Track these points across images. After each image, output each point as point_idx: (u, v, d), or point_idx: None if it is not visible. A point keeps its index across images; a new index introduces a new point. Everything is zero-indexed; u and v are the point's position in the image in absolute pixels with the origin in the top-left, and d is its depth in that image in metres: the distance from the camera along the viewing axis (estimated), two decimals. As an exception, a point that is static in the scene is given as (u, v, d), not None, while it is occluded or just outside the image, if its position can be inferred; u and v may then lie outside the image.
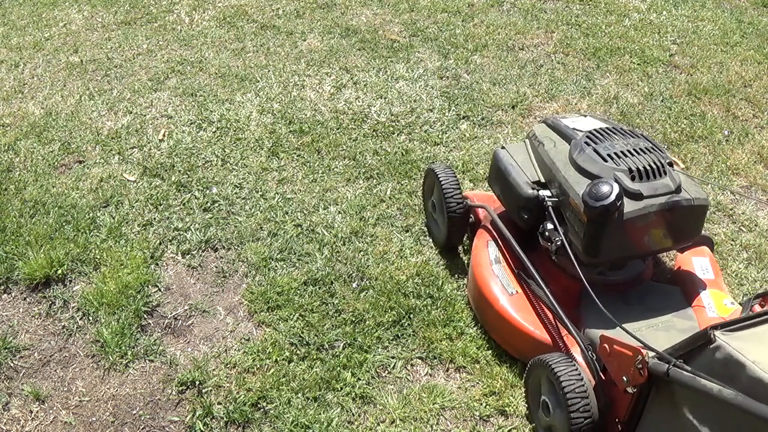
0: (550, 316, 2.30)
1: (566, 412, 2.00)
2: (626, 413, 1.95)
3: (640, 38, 4.43)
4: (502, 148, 2.57)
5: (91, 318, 2.56)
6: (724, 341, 1.64)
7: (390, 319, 2.55)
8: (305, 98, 3.76)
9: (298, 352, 2.44)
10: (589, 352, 2.12)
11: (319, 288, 2.67)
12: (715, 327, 1.68)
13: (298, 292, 2.65)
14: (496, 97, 3.79)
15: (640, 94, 3.88)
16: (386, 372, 2.40)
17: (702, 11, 4.83)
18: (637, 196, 2.15)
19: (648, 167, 2.20)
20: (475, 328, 2.52)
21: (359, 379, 2.37)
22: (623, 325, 1.97)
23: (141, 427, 2.25)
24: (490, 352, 2.44)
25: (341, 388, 2.33)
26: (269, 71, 3.98)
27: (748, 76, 4.10)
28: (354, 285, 2.69)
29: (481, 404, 2.30)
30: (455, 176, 2.73)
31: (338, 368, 2.38)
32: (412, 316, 2.57)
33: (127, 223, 2.95)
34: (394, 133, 3.50)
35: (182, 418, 2.27)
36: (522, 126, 3.59)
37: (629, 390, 1.90)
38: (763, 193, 3.24)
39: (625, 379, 1.90)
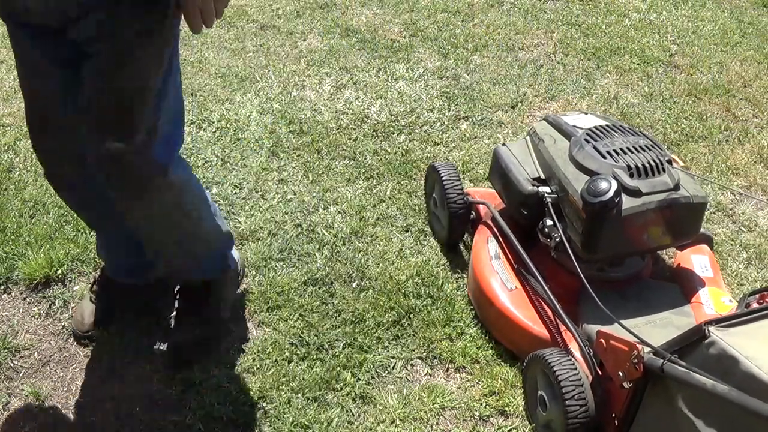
0: (549, 312, 2.31)
1: (562, 403, 2.01)
2: (622, 408, 1.96)
3: (640, 38, 4.44)
4: (503, 145, 2.59)
5: (91, 318, 2.56)
6: (718, 337, 1.65)
7: (390, 319, 2.55)
8: (305, 98, 3.76)
9: (297, 352, 2.45)
10: (587, 348, 2.13)
11: (319, 288, 2.67)
12: (709, 322, 1.68)
13: (298, 292, 2.65)
14: (496, 97, 3.79)
15: (640, 94, 3.88)
16: (386, 372, 2.40)
17: (702, 11, 4.83)
18: (635, 193, 2.16)
19: (647, 164, 2.21)
20: (475, 328, 2.52)
21: (359, 379, 2.37)
22: (621, 322, 1.98)
23: (141, 427, 2.25)
24: (490, 352, 2.45)
25: (341, 388, 2.33)
26: (269, 71, 3.98)
27: (748, 76, 4.10)
28: (354, 285, 2.69)
29: (481, 404, 2.30)
30: (456, 173, 2.74)
31: (338, 368, 2.38)
32: (412, 316, 2.57)
33: (127, 223, 2.95)
34: (394, 133, 3.50)
35: (182, 418, 2.27)
36: (522, 126, 3.59)
37: (625, 385, 1.92)
38: (763, 193, 3.24)
39: (621, 374, 1.91)
